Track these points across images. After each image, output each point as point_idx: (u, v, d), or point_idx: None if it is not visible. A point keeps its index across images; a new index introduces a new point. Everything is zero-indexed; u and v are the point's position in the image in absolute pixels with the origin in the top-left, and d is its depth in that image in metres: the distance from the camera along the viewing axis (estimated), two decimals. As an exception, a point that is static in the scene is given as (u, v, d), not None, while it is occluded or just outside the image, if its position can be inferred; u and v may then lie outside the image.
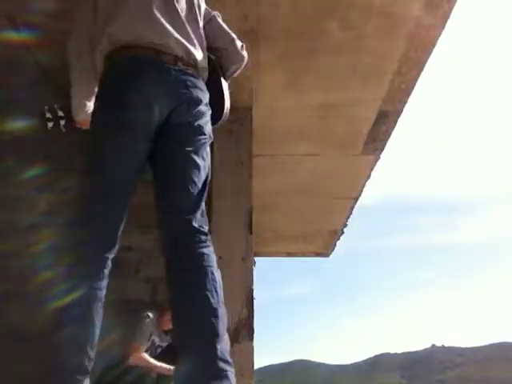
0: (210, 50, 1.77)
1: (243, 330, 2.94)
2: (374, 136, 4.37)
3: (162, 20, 1.53)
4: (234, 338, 2.91)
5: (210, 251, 1.51)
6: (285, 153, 4.66)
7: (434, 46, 3.31)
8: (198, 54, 1.60)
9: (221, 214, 3.23)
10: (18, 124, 3.58)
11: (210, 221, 3.21)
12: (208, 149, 1.59)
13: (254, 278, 3.13)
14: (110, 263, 1.44)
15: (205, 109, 1.58)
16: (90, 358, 1.37)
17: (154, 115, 1.46)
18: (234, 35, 1.87)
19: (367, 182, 5.17)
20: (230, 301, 3.00)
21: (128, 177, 1.47)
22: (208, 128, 1.59)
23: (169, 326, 2.77)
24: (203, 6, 1.81)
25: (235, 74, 1.91)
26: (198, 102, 1.54)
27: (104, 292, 1.46)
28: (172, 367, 2.56)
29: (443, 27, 3.15)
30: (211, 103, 1.65)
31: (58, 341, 1.37)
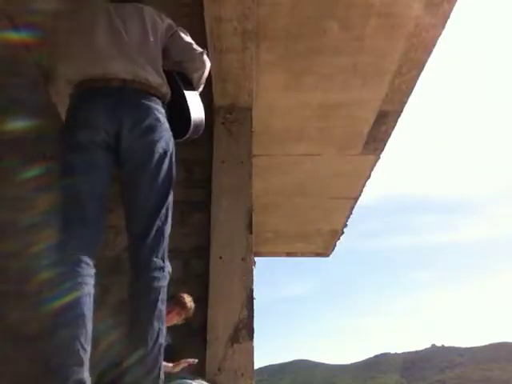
0: (174, 64, 1.91)
1: (243, 330, 2.94)
2: (374, 136, 4.38)
3: (107, 51, 1.70)
4: (234, 338, 2.91)
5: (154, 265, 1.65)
6: (285, 153, 4.66)
7: (434, 46, 3.32)
8: (150, 74, 1.72)
9: (221, 213, 3.23)
10: (18, 124, 3.58)
11: (209, 221, 3.23)
12: (165, 163, 1.70)
13: (254, 278, 3.13)
14: (90, 262, 1.56)
15: (156, 124, 1.68)
16: (86, 349, 1.44)
17: (101, 135, 1.63)
18: (195, 45, 1.95)
19: (367, 182, 5.18)
20: (230, 301, 3.02)
21: (94, 185, 1.64)
22: (162, 143, 1.68)
23: (168, 322, 2.77)
24: (162, 27, 1.89)
25: (202, 81, 1.98)
26: (145, 118, 1.66)
27: (91, 289, 1.54)
28: (171, 364, 2.56)
29: (443, 27, 3.15)
30: (177, 117, 1.79)
31: (56, 339, 1.43)
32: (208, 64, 1.96)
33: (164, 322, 1.64)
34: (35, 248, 3.26)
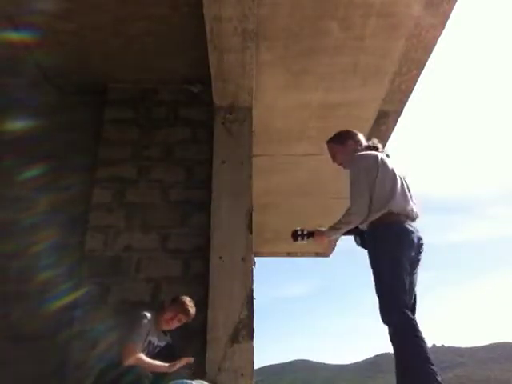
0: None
1: (243, 330, 2.94)
2: (374, 136, 4.37)
3: (405, 198, 2.59)
4: (234, 338, 2.92)
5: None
6: (285, 153, 4.66)
7: (434, 46, 3.32)
8: (416, 210, 2.60)
9: (221, 213, 3.23)
10: (18, 124, 3.58)
11: (209, 221, 3.22)
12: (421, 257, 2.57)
13: (254, 278, 3.13)
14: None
15: (420, 238, 2.55)
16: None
17: (410, 253, 2.51)
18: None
19: (367, 182, 5.17)
20: (230, 301, 3.02)
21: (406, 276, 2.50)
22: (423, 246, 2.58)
23: (167, 326, 2.76)
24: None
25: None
26: (419, 240, 2.55)
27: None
28: (167, 365, 2.55)
29: (443, 27, 3.16)
30: None
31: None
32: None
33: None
34: (35, 248, 3.27)
